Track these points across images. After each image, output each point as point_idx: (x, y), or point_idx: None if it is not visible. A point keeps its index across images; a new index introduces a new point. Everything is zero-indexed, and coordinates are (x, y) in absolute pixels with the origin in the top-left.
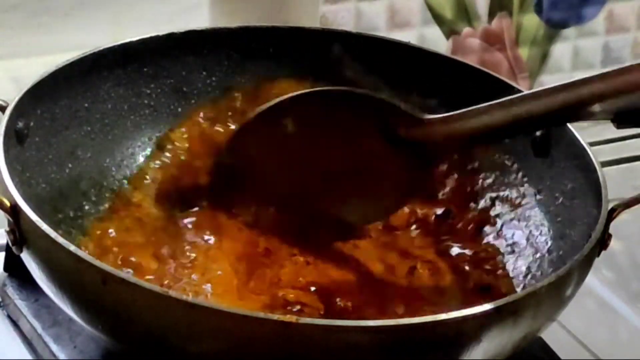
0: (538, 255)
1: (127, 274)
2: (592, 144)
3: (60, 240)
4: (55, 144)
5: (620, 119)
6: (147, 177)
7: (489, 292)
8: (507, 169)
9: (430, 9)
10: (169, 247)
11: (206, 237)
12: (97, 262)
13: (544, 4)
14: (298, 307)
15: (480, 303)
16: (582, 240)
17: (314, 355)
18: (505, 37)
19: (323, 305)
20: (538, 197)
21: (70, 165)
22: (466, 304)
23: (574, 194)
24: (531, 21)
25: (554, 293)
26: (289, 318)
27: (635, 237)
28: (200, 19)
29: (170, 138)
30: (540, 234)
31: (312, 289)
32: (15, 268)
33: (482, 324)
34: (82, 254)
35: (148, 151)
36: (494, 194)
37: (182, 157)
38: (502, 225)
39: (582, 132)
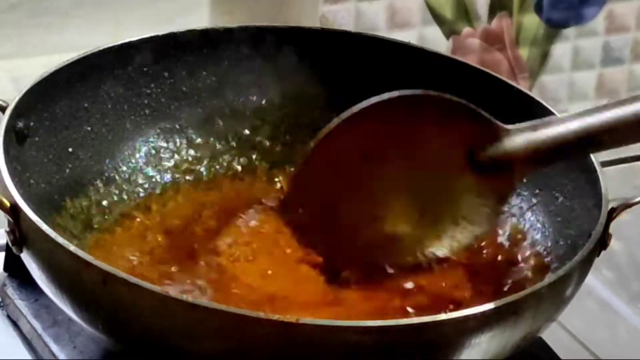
0: (538, 255)
1: (127, 274)
2: None
3: (61, 240)
4: (55, 144)
5: None
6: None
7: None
8: None
9: (430, 9)
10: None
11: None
12: (97, 262)
13: (544, 4)
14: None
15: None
16: (582, 240)
17: (314, 355)
18: (505, 37)
19: None
20: (538, 197)
21: (70, 165)
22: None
23: (574, 194)
24: (531, 21)
25: (554, 293)
26: (289, 318)
27: (635, 237)
28: (200, 19)
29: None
30: (540, 234)
31: None
32: (15, 268)
33: (482, 324)
34: (82, 254)
35: (148, 151)
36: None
37: None
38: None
39: None
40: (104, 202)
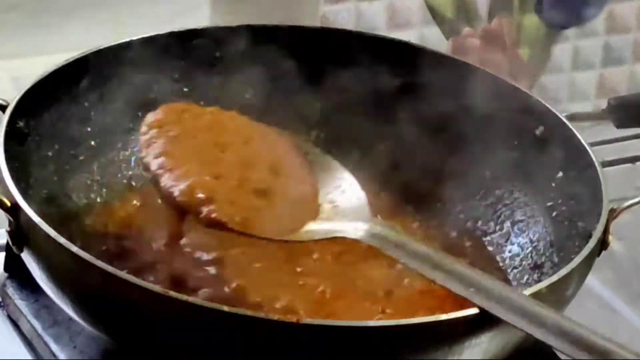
0: (538, 255)
1: (127, 274)
2: (592, 144)
3: (61, 240)
4: (55, 143)
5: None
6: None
7: None
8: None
9: (430, 9)
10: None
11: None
12: (97, 262)
13: (544, 4)
14: None
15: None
16: (582, 240)
17: (314, 355)
18: (505, 37)
19: None
20: (538, 196)
21: (70, 165)
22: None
23: (574, 194)
24: (531, 21)
25: (554, 293)
26: (289, 318)
27: (635, 237)
28: (200, 19)
29: None
30: (540, 233)
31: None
32: (15, 268)
33: (482, 324)
34: (83, 253)
35: None
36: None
37: None
38: (502, 226)
39: (582, 132)
40: (104, 202)
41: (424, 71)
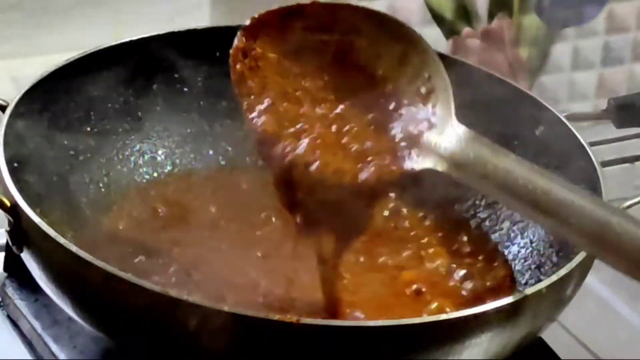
0: (538, 255)
1: (127, 274)
2: (592, 144)
3: (61, 240)
4: (55, 143)
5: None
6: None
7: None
8: None
9: (430, 9)
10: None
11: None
12: (97, 262)
13: (544, 4)
14: None
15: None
16: None
17: (314, 355)
18: (505, 37)
19: None
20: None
21: (70, 165)
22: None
23: None
24: (531, 21)
25: (554, 293)
26: (289, 318)
27: None
28: (200, 19)
29: None
30: (541, 233)
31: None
32: (15, 268)
33: (482, 324)
34: (83, 253)
35: (147, 151)
36: None
37: None
38: (502, 226)
39: (582, 132)
40: (104, 201)
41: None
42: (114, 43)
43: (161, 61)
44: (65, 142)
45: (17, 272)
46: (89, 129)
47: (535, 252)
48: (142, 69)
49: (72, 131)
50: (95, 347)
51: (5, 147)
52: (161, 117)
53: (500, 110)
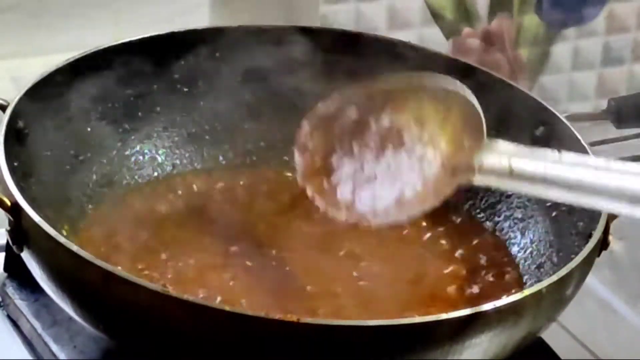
0: (538, 255)
1: (127, 273)
2: (592, 144)
3: (62, 239)
4: (55, 143)
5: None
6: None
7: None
8: None
9: (430, 9)
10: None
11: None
12: (98, 262)
13: (544, 4)
14: None
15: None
16: (582, 240)
17: (314, 355)
18: (505, 37)
19: None
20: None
21: (70, 165)
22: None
23: None
24: (531, 21)
25: (554, 293)
26: (289, 318)
27: (635, 237)
28: (200, 19)
29: None
30: (541, 234)
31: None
32: (15, 268)
33: (482, 324)
34: (84, 253)
35: (147, 151)
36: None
37: None
38: (502, 226)
39: (582, 132)
40: (105, 201)
41: (424, 71)
42: (114, 43)
43: (161, 61)
44: (65, 142)
45: (17, 272)
46: (88, 129)
47: (535, 252)
48: (142, 69)
49: (72, 131)
50: (95, 347)
51: (6, 147)
52: (161, 117)
53: (500, 111)
